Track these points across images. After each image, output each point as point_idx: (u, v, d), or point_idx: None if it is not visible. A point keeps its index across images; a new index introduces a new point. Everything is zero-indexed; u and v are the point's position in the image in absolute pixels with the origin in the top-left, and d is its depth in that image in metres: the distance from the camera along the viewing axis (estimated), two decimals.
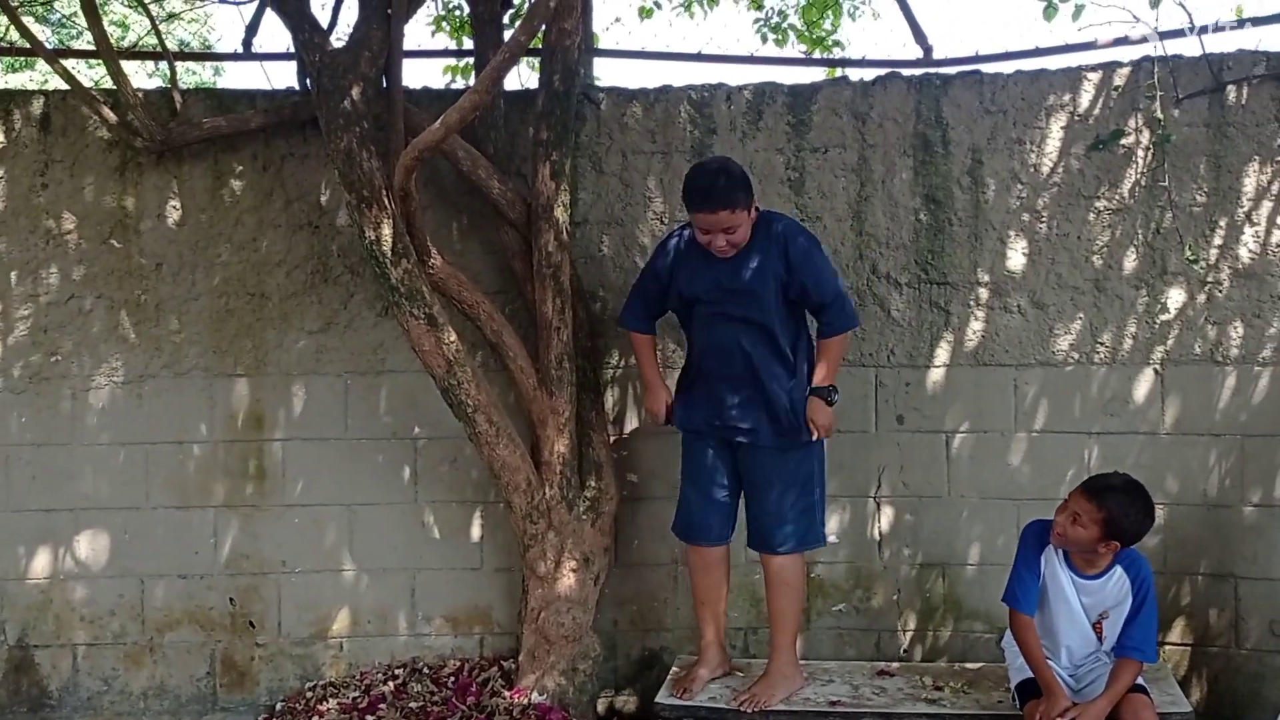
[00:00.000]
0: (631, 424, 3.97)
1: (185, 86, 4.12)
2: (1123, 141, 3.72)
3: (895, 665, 3.75)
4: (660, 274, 3.52)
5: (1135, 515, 3.04)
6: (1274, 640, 3.62)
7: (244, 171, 3.93)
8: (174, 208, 3.93)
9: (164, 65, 4.35)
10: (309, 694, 3.86)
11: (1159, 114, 3.66)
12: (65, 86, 3.78)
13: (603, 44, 5.50)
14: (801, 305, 3.43)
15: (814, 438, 3.40)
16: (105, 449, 3.93)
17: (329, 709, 3.70)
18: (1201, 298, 3.71)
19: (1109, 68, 3.76)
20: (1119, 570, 3.12)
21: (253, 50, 4.33)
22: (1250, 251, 3.66)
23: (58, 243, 3.91)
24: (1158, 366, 3.75)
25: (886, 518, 3.90)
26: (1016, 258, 3.81)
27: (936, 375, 3.86)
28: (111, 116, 3.76)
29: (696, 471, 3.56)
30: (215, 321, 3.94)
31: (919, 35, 4.34)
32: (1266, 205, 3.65)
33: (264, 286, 3.94)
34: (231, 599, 3.96)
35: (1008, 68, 3.87)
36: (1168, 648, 3.74)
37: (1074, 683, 3.20)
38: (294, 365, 3.95)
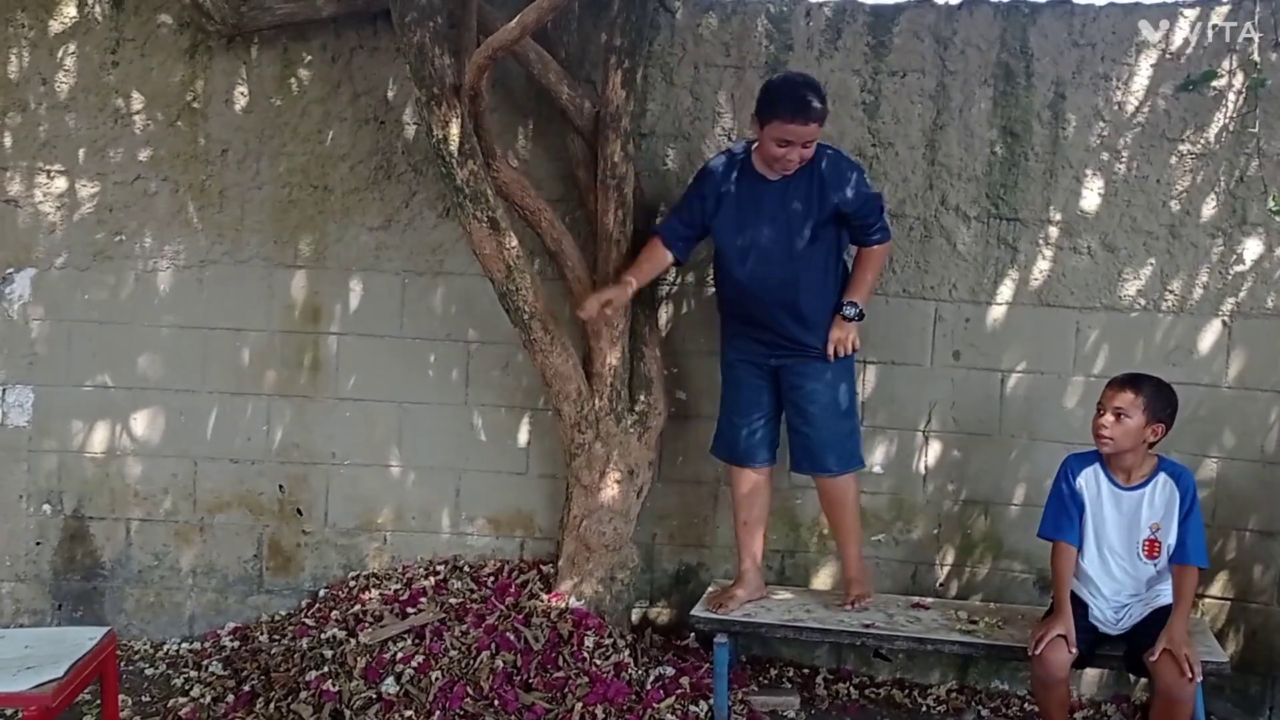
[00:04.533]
0: (685, 342, 3.96)
1: None
2: (1214, 84, 3.59)
3: (930, 600, 3.76)
4: (707, 198, 3.51)
5: (1168, 392, 3.16)
6: None
7: (313, 61, 3.90)
8: (242, 94, 3.91)
9: None
10: (352, 583, 3.96)
11: (1255, 57, 3.53)
12: None
13: None
14: (842, 227, 3.49)
15: (831, 352, 3.45)
16: (165, 331, 3.98)
17: (371, 598, 3.79)
18: None
19: (1207, 5, 3.61)
20: (1162, 476, 3.17)
21: None
22: None
23: (125, 122, 3.92)
24: (1226, 318, 3.67)
25: (934, 452, 3.88)
26: (1091, 198, 3.72)
27: (997, 313, 3.80)
28: None
29: (739, 396, 3.60)
30: (278, 211, 3.95)
31: None
32: None
33: (327, 179, 3.94)
34: (281, 486, 4.03)
35: None
36: (1207, 601, 3.73)
37: (1115, 617, 3.21)
38: (353, 260, 3.96)
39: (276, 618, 3.99)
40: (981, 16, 3.73)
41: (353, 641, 3.56)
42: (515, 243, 3.51)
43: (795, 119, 3.28)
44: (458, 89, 3.36)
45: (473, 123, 3.43)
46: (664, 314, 3.95)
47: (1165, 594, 3.17)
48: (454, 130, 3.37)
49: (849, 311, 3.45)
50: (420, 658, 3.47)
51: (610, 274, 3.66)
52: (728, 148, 3.63)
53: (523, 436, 4.02)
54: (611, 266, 3.66)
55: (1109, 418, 3.13)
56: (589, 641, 3.54)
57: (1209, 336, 3.69)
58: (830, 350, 3.45)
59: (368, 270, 3.96)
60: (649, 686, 3.52)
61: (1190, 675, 2.95)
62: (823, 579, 3.96)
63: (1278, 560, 3.65)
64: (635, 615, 3.96)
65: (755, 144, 3.47)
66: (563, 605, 3.66)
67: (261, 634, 3.87)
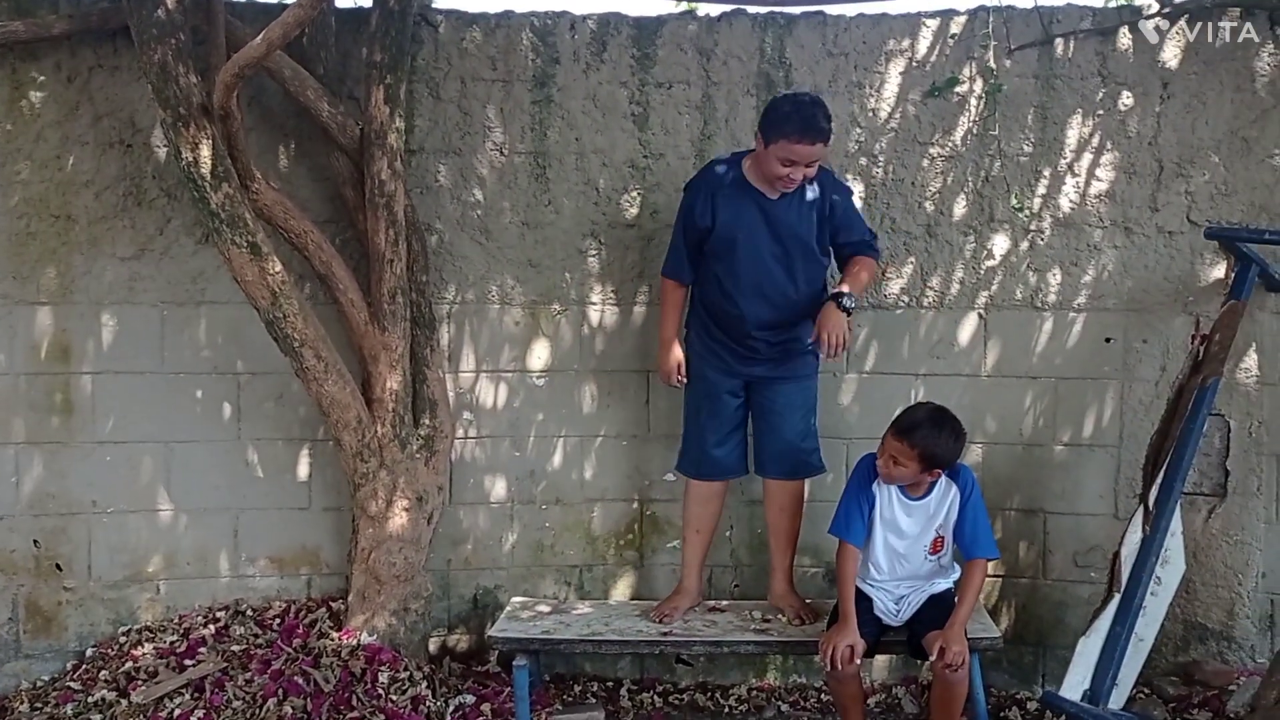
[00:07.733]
0: (467, 361, 3.88)
1: None
2: (957, 90, 3.80)
3: (725, 603, 3.81)
4: (701, 218, 3.46)
5: (945, 443, 3.17)
6: (1077, 571, 3.85)
7: (46, 82, 3.63)
8: None
9: None
10: (123, 639, 3.71)
11: (991, 64, 3.75)
12: None
13: None
14: (829, 246, 3.54)
15: (824, 349, 3.37)
16: None
17: (145, 654, 3.56)
18: (1024, 245, 3.84)
19: (947, 15, 3.81)
20: (944, 479, 3.26)
21: None
22: (1071, 201, 3.81)
23: None
24: (982, 311, 3.88)
25: None
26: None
27: None
28: None
29: (716, 410, 3.58)
30: (15, 245, 3.66)
31: None
32: (1087, 157, 3.79)
33: (70, 208, 3.67)
34: (36, 541, 3.73)
35: (851, 10, 3.88)
36: None
37: (896, 608, 3.32)
38: (105, 294, 3.71)
39: (39, 684, 3.68)
40: (740, 28, 3.82)
41: (124, 702, 3.34)
42: (279, 268, 3.36)
43: (803, 139, 3.28)
44: (206, 109, 3.19)
45: (225, 144, 3.26)
46: (445, 333, 3.86)
47: (941, 581, 3.32)
48: (205, 152, 3.19)
49: (847, 302, 3.36)
50: (200, 712, 3.28)
51: (384, 295, 3.55)
52: (714, 161, 3.55)
53: (303, 470, 3.85)
54: (386, 287, 3.55)
55: (885, 461, 3.19)
56: (383, 677, 3.43)
57: (967, 329, 3.89)
58: (824, 339, 3.33)
59: (121, 303, 3.71)
60: (449, 717, 3.43)
61: (958, 669, 3.09)
62: (621, 591, 3.96)
63: (1040, 537, 3.89)
64: (433, 645, 3.86)
65: (745, 157, 3.47)
66: (354, 642, 3.52)
67: (21, 704, 3.56)
